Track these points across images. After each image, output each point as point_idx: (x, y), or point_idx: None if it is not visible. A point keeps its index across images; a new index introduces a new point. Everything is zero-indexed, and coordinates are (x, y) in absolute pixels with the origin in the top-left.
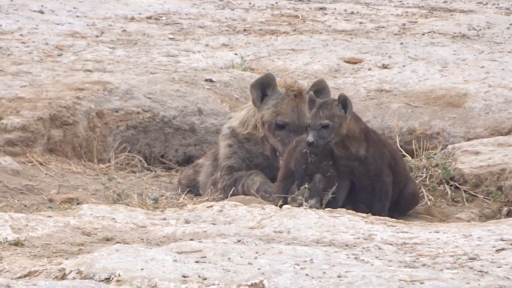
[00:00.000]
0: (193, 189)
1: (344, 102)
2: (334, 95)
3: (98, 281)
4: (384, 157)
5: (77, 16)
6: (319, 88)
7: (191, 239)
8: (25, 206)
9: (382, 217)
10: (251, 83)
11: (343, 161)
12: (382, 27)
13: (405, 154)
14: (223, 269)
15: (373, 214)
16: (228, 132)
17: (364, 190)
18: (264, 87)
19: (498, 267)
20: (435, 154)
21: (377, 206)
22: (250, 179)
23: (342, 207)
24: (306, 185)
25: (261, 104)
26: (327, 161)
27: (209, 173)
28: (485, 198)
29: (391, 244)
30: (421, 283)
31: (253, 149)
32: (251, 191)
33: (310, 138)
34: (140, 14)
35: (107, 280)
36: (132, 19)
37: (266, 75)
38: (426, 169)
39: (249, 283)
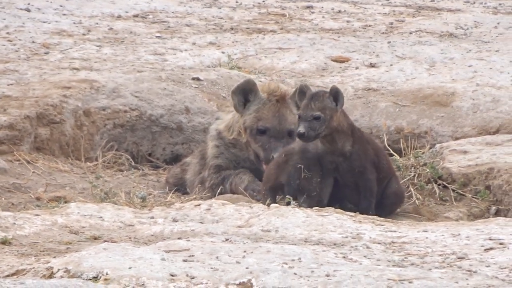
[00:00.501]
0: (180, 188)
1: (335, 94)
2: None
3: (86, 279)
4: (368, 154)
5: (64, 14)
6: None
7: (179, 238)
8: (12, 204)
9: (370, 216)
10: (232, 89)
11: (329, 157)
12: (370, 26)
13: (393, 153)
14: (211, 268)
15: (360, 213)
16: (215, 134)
17: (348, 187)
18: (245, 93)
19: (487, 266)
20: (423, 153)
21: (363, 204)
22: (238, 178)
23: (329, 205)
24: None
25: (243, 110)
26: (317, 177)
27: (196, 171)
28: (473, 197)
29: (379, 243)
30: (410, 282)
31: (239, 154)
32: (239, 189)
33: (301, 129)
34: (127, 12)
35: (95, 279)
36: (119, 17)
37: (246, 81)
38: (414, 168)
39: (237, 282)
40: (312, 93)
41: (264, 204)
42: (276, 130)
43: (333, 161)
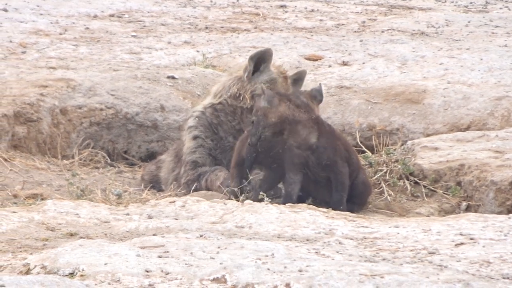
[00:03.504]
0: (156, 185)
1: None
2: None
3: (62, 276)
4: (337, 149)
5: (41, 14)
6: (298, 78)
7: (154, 234)
8: None
9: (342, 212)
10: (250, 55)
11: (296, 151)
12: (342, 24)
13: (365, 150)
14: (186, 264)
15: (332, 206)
16: (194, 122)
17: (319, 183)
18: (259, 62)
19: (457, 261)
20: (394, 149)
21: (335, 197)
22: (214, 174)
23: (302, 201)
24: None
25: (253, 77)
26: (276, 150)
27: (170, 169)
28: (444, 193)
29: (351, 239)
30: (381, 277)
31: (224, 122)
32: (214, 186)
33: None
34: (102, 12)
35: (71, 275)
36: (95, 17)
37: (267, 50)
38: (386, 164)
39: (211, 277)
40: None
41: (235, 189)
42: None
43: (300, 155)
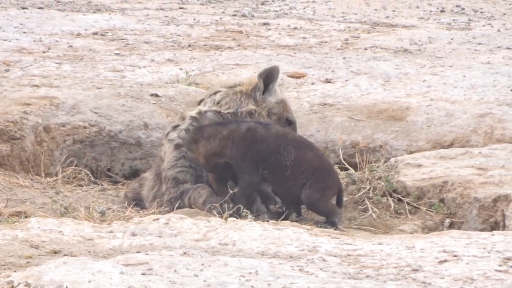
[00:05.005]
0: (139, 202)
1: None
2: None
3: None
4: (247, 158)
5: (24, 32)
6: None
7: (137, 252)
8: None
9: (326, 230)
10: (259, 73)
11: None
12: (325, 42)
13: (349, 167)
14: (169, 281)
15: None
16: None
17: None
18: (268, 80)
19: (441, 278)
20: (378, 167)
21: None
22: (197, 192)
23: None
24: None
25: (263, 96)
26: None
27: (150, 186)
28: (428, 210)
29: (335, 256)
30: None
31: None
32: (197, 204)
33: None
34: (86, 30)
35: None
36: (78, 35)
37: (274, 67)
38: (369, 182)
39: None
40: None
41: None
42: (296, 126)
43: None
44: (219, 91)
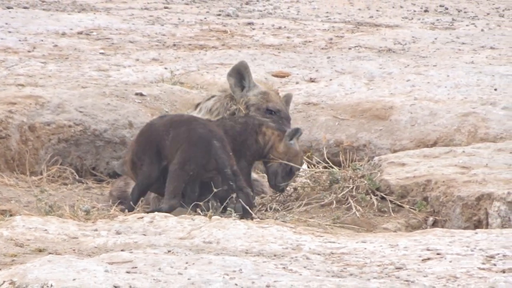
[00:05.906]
0: (124, 201)
1: None
2: None
3: None
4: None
5: (9, 32)
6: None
7: (122, 250)
8: None
9: (309, 228)
10: (228, 72)
11: None
12: (310, 41)
13: (332, 166)
14: (154, 279)
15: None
16: None
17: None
18: (240, 75)
19: (424, 276)
20: (361, 165)
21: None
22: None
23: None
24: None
25: (242, 93)
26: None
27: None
28: (411, 209)
29: (319, 254)
30: None
31: None
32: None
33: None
34: (71, 29)
35: None
36: (64, 34)
37: (240, 62)
38: (353, 180)
39: None
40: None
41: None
42: (285, 114)
43: None
44: (213, 96)
